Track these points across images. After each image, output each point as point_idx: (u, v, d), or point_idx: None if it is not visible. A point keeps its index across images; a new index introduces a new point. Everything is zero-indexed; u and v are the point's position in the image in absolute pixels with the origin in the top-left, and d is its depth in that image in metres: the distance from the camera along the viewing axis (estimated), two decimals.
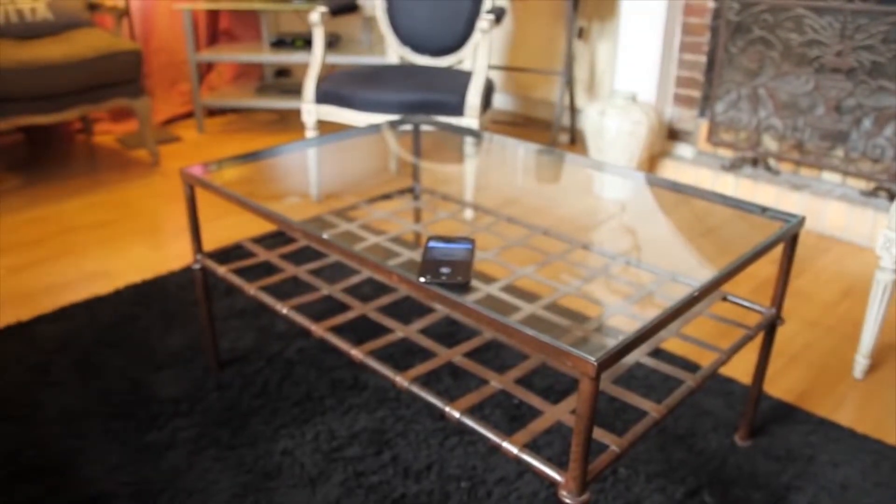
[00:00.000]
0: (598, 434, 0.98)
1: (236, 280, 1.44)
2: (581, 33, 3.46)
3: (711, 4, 2.78)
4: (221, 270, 1.48)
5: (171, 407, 1.53)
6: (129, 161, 3.15)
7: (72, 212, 2.61)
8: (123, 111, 3.62)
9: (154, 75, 3.70)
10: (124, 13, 3.17)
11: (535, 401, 1.06)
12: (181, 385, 1.61)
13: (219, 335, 1.81)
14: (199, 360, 1.70)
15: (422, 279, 1.00)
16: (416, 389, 1.07)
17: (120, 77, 2.91)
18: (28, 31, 2.93)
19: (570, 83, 3.33)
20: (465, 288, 1.00)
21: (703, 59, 2.86)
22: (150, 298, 1.98)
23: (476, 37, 2.72)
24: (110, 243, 2.35)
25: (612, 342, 0.84)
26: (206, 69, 3.94)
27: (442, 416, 1.50)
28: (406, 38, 2.84)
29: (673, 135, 3.03)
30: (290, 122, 3.80)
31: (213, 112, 3.88)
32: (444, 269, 1.04)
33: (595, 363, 0.79)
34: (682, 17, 2.87)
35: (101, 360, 1.70)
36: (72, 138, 3.41)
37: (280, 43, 3.63)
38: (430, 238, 1.17)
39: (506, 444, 0.94)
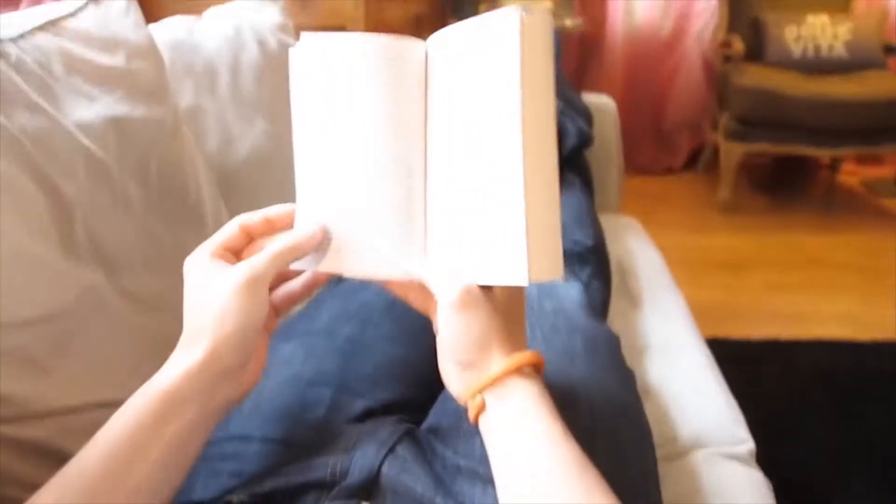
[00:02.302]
0: None
1: None
2: None
3: None
4: None
5: None
6: (874, 208, 3.01)
7: (816, 245, 2.62)
8: (870, 156, 3.48)
9: None
10: None
11: None
12: None
13: None
14: None
15: None
16: None
17: None
18: (820, 66, 3.02)
19: None
20: None
21: None
22: None
23: None
24: (859, 289, 2.28)
25: None
26: None
27: None
28: None
29: None
30: None
31: None
32: None
33: None
34: None
35: (862, 411, 1.64)
36: (816, 173, 3.45)
37: None
38: None
39: None
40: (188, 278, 0.52)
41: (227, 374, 0.50)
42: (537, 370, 0.51)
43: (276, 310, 0.58)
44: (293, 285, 0.58)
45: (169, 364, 0.50)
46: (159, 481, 0.47)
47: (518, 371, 0.49)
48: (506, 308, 0.50)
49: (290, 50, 0.52)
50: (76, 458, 0.46)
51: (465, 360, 0.50)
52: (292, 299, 0.58)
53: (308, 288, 0.58)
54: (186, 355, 0.49)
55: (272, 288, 0.56)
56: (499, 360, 0.49)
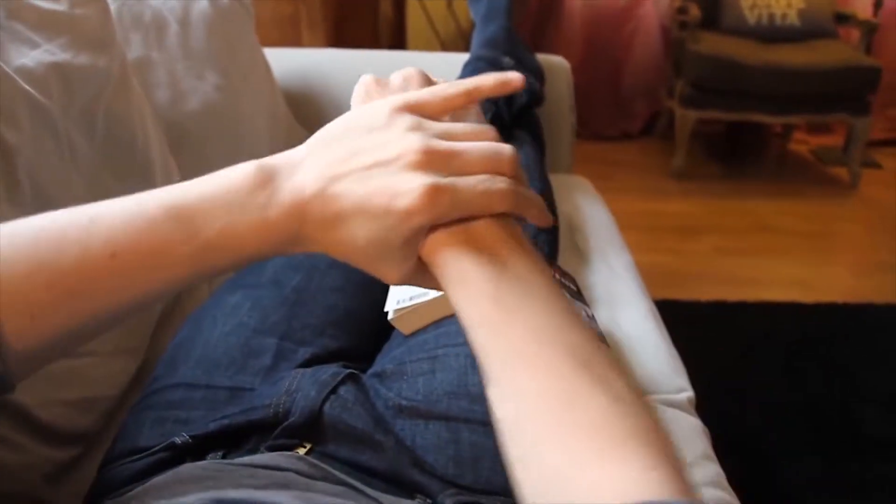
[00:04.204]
0: None
1: None
2: None
3: None
4: None
5: (877, 446, 1.46)
6: (823, 176, 3.10)
7: (766, 211, 2.69)
8: (820, 124, 3.56)
9: None
10: (874, 29, 3.06)
11: None
12: (889, 425, 1.51)
13: None
14: None
15: None
16: None
17: (851, 92, 2.84)
18: (774, 35, 3.06)
19: None
20: None
21: None
22: (855, 323, 1.91)
23: None
24: (806, 254, 2.35)
25: None
26: None
27: None
28: None
29: None
30: None
31: None
32: None
33: None
34: None
35: (805, 370, 1.71)
36: (768, 141, 3.52)
37: None
38: None
39: None
40: None
41: None
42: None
43: None
44: None
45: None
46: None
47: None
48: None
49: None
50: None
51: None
52: None
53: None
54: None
55: None
56: None
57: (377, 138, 0.38)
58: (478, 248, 0.37)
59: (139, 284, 0.37)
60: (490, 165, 0.38)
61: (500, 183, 0.38)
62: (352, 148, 0.38)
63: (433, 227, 0.38)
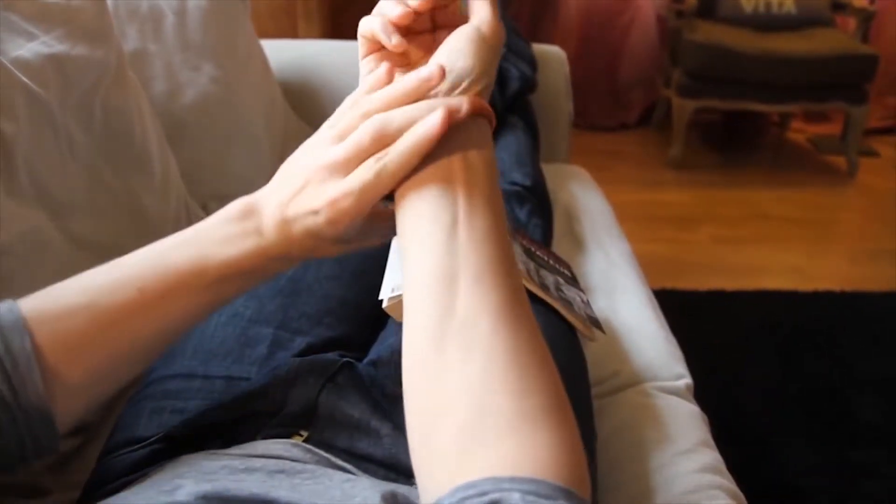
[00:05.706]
0: None
1: None
2: None
3: None
4: None
5: (872, 433, 1.47)
6: (820, 164, 3.10)
7: (763, 200, 2.69)
8: (817, 113, 3.56)
9: None
10: (871, 17, 3.06)
11: None
12: (883, 412, 1.52)
13: None
14: None
15: None
16: None
17: (848, 80, 2.83)
18: (771, 23, 3.05)
19: None
20: None
21: None
22: (852, 311, 1.91)
23: None
24: (804, 243, 2.35)
25: None
26: None
27: None
28: None
29: None
30: None
31: None
32: None
33: None
34: None
35: (802, 358, 1.71)
36: (766, 130, 3.51)
37: None
38: None
39: None
40: None
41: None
42: None
43: None
44: None
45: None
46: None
47: None
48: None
49: None
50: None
51: None
52: None
53: None
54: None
55: None
56: None
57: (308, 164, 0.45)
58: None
59: (162, 315, 0.45)
60: (376, 146, 0.43)
61: (375, 167, 0.43)
62: (294, 185, 0.45)
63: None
